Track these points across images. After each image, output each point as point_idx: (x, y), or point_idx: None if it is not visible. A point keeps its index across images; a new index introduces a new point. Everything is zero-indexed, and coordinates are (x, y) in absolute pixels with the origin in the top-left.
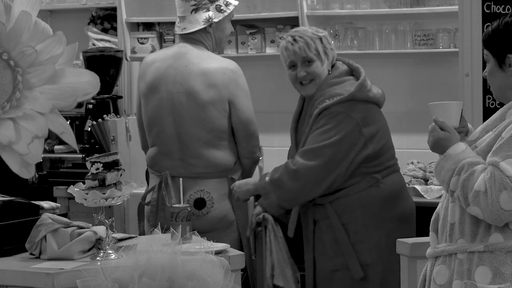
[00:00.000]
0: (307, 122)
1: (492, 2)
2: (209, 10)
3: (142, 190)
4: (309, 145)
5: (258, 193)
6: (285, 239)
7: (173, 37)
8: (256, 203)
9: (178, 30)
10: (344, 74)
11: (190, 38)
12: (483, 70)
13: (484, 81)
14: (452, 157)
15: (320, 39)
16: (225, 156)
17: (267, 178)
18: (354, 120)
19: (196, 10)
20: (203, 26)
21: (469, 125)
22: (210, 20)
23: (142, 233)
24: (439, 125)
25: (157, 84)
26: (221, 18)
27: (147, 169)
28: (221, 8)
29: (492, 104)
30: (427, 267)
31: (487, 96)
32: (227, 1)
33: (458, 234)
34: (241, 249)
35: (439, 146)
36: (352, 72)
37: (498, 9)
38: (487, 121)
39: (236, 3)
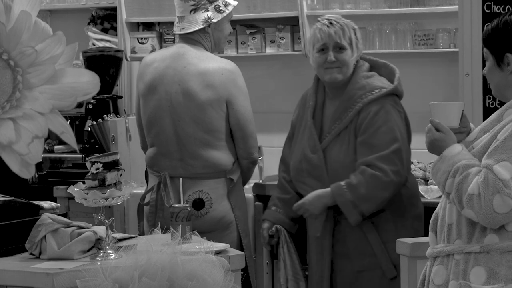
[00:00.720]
0: (337, 117)
1: (492, 2)
2: (208, 11)
3: (142, 190)
4: (381, 148)
5: (335, 204)
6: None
7: (173, 37)
8: (263, 218)
9: (176, 30)
10: (369, 70)
11: (189, 38)
12: (483, 70)
13: (484, 81)
14: (448, 158)
15: (355, 30)
16: (224, 156)
17: (349, 195)
18: (402, 114)
19: (195, 10)
20: (202, 27)
21: (472, 125)
22: (209, 20)
23: (142, 233)
24: (434, 126)
25: (156, 84)
26: (220, 18)
27: (146, 169)
28: (220, 8)
29: (492, 104)
30: (427, 267)
31: (487, 96)
32: (226, 2)
33: (456, 235)
34: (241, 250)
35: (434, 147)
36: (372, 68)
37: (498, 9)
38: (485, 121)
39: (235, 3)
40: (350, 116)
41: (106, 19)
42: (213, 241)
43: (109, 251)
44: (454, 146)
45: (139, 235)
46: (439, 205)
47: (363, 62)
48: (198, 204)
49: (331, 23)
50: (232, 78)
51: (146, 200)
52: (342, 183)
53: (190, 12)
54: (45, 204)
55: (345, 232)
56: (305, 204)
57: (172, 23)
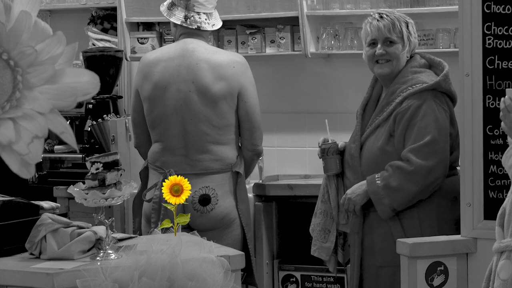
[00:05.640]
0: (380, 110)
1: (492, 2)
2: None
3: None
4: (415, 141)
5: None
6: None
7: (172, 37)
8: None
9: (207, 27)
10: (423, 66)
11: (197, 34)
12: (483, 70)
13: (484, 81)
14: None
15: (407, 23)
16: (230, 150)
17: (380, 185)
18: (447, 112)
19: (215, 7)
20: (221, 24)
21: None
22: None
23: (137, 229)
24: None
25: (166, 84)
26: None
27: (142, 169)
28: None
29: (492, 104)
30: (493, 262)
31: (487, 96)
32: None
33: None
34: (244, 247)
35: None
36: (431, 67)
37: (498, 9)
38: None
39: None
40: (390, 110)
41: (106, 19)
42: (214, 241)
43: (109, 251)
44: None
45: (134, 231)
46: (506, 199)
47: (421, 58)
48: (204, 200)
49: (381, 17)
50: (243, 70)
51: (148, 197)
52: (377, 174)
53: (214, 8)
54: (45, 204)
55: (372, 226)
56: (347, 194)
57: None
